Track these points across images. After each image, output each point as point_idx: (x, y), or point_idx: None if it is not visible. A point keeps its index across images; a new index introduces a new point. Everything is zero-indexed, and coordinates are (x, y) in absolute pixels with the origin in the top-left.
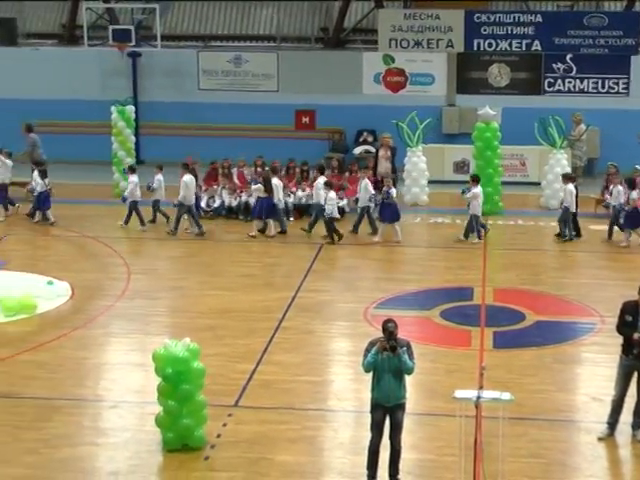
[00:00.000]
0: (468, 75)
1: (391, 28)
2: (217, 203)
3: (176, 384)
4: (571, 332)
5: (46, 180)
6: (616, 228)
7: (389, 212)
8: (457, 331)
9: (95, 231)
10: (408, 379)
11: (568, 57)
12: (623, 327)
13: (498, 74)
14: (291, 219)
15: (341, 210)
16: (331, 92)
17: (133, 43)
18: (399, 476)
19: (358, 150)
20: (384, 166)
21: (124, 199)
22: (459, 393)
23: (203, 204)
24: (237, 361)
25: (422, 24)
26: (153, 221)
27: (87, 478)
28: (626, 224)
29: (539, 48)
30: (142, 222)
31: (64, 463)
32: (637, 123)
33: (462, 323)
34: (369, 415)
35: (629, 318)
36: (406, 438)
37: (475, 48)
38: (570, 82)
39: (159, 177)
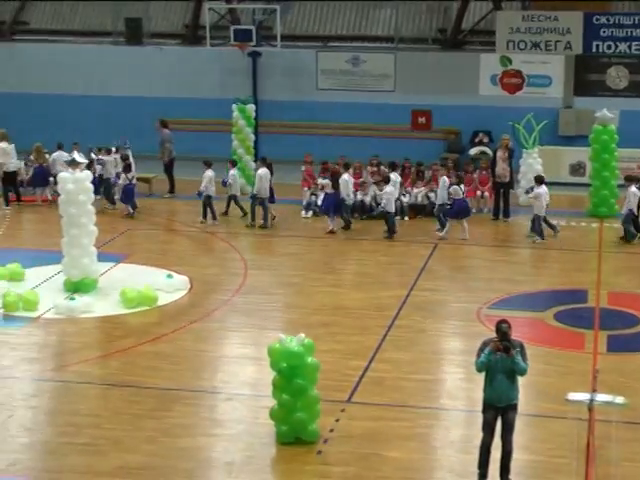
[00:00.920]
0: (586, 77)
1: (509, 30)
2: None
3: (290, 378)
4: None
5: (129, 174)
6: None
7: (456, 209)
8: (571, 333)
9: (213, 227)
10: (520, 380)
11: None
12: None
13: (616, 76)
14: (406, 218)
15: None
16: (447, 93)
17: (254, 43)
18: (510, 476)
19: (474, 151)
20: (501, 167)
21: (199, 194)
22: (572, 395)
23: (319, 202)
24: (350, 358)
25: (540, 26)
26: (226, 213)
27: (204, 467)
28: None
29: None
30: (214, 216)
31: (182, 452)
32: None
33: (576, 326)
34: (481, 415)
35: None
36: (517, 439)
37: (594, 50)
38: None
39: (233, 172)
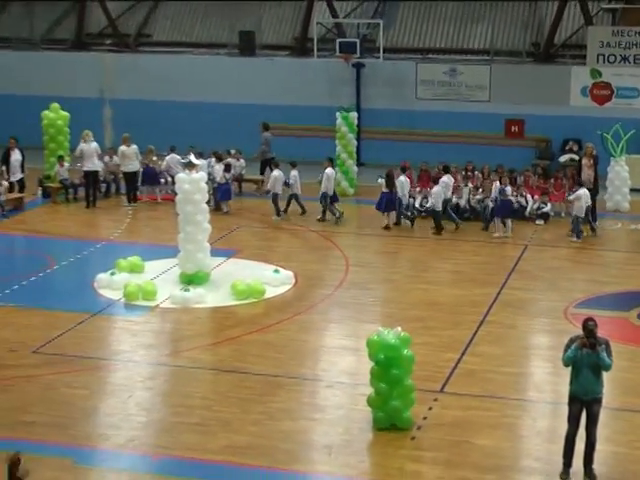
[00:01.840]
0: None
1: (599, 44)
2: (429, 203)
3: (387, 369)
4: None
5: (227, 174)
6: None
7: (502, 208)
8: None
9: (318, 225)
10: (605, 375)
11: None
12: None
13: None
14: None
15: (546, 215)
16: (540, 103)
17: (358, 55)
18: (593, 466)
19: (564, 158)
20: (587, 173)
21: (267, 192)
22: None
23: (417, 204)
24: (443, 350)
25: (629, 40)
26: (285, 211)
27: (304, 449)
28: None
29: None
30: (278, 213)
31: (285, 434)
32: None
33: None
34: (566, 407)
35: None
36: (601, 431)
37: None
38: None
39: (294, 173)
